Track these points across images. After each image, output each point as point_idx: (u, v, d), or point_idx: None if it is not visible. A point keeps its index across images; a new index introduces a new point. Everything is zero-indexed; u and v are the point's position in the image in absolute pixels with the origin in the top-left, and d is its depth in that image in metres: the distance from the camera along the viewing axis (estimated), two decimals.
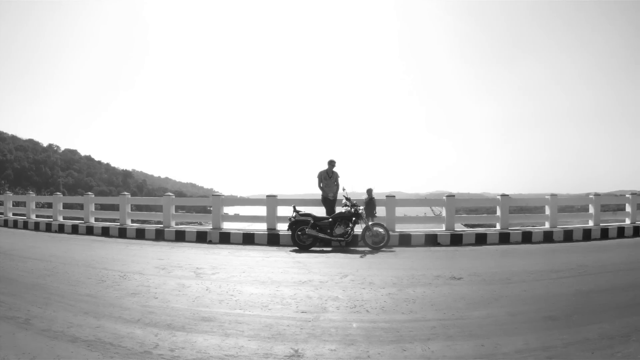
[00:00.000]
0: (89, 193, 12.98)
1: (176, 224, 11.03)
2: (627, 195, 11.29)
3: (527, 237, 9.28)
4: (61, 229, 11.62)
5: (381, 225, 8.48)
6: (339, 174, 9.78)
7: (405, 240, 9.01)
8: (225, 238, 9.45)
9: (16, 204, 15.00)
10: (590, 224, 10.62)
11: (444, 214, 10.25)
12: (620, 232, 10.08)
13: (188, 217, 13.21)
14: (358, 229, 8.79)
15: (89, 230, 11.07)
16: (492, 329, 3.41)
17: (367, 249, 8.14)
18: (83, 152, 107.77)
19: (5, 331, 3.32)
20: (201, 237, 9.61)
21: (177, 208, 11.71)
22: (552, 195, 10.50)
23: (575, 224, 10.79)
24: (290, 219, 8.70)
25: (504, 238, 9.22)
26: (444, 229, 9.89)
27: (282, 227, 9.70)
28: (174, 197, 11.42)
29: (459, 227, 10.39)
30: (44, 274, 5.59)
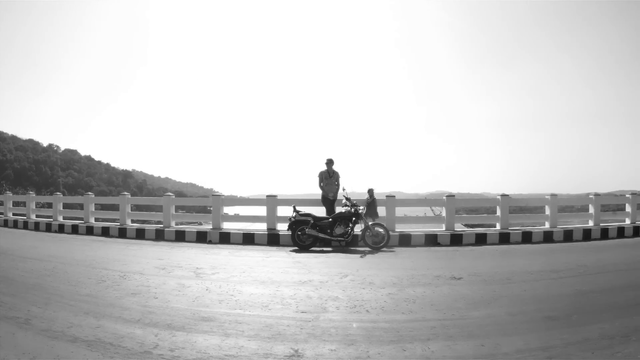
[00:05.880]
0: (89, 193, 12.98)
1: (176, 224, 11.04)
2: (627, 195, 11.29)
3: (527, 237, 9.28)
4: (61, 229, 11.62)
5: (381, 225, 8.48)
6: (340, 174, 9.78)
7: (405, 240, 9.01)
8: (225, 238, 9.45)
9: (16, 204, 14.99)
10: (590, 224, 10.62)
11: (444, 214, 10.25)
12: (620, 232, 10.08)
13: (188, 217, 13.21)
14: (358, 229, 8.79)
15: (89, 230, 11.07)
16: (492, 329, 3.41)
17: (367, 249, 8.14)
18: (83, 152, 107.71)
19: (5, 331, 3.32)
20: (201, 237, 9.61)
21: (177, 208, 11.72)
22: (552, 195, 10.50)
23: (575, 224, 10.79)
24: (290, 219, 8.70)
25: (504, 238, 9.22)
26: (444, 229, 9.89)
27: (282, 227, 9.70)
28: (174, 197, 11.42)
29: (459, 227, 10.39)
30: (44, 274, 5.59)
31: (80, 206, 12.94)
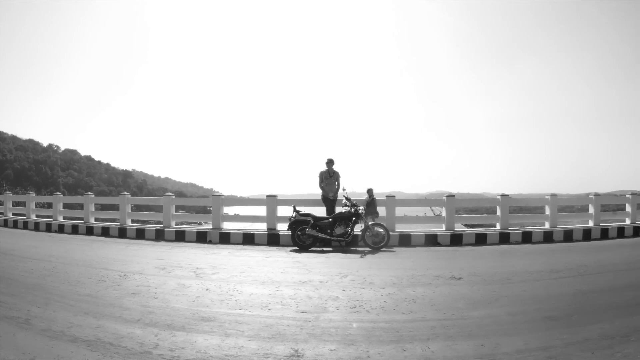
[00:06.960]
0: (89, 193, 12.98)
1: (176, 224, 11.04)
2: (627, 195, 11.30)
3: (527, 237, 9.28)
4: (61, 229, 11.62)
5: (381, 225, 8.48)
6: (340, 174, 9.77)
7: (405, 240, 9.01)
8: (225, 238, 9.45)
9: (16, 204, 14.99)
10: (590, 224, 10.62)
11: (444, 214, 10.25)
12: (620, 232, 10.08)
13: (188, 217, 13.21)
14: (358, 229, 8.79)
15: (89, 230, 11.06)
16: (492, 329, 3.41)
17: (367, 249, 8.14)
18: (83, 152, 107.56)
19: (5, 331, 3.32)
20: (201, 237, 9.61)
21: (177, 208, 11.72)
22: (552, 195, 10.50)
23: (575, 224, 10.80)
24: (290, 219, 8.70)
25: (504, 238, 9.22)
26: (444, 229, 9.89)
27: (282, 227, 9.70)
28: (174, 197, 11.42)
29: (459, 227, 10.40)
30: (44, 274, 5.59)
31: (80, 206, 12.95)
